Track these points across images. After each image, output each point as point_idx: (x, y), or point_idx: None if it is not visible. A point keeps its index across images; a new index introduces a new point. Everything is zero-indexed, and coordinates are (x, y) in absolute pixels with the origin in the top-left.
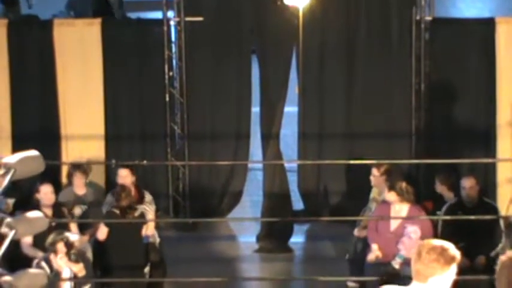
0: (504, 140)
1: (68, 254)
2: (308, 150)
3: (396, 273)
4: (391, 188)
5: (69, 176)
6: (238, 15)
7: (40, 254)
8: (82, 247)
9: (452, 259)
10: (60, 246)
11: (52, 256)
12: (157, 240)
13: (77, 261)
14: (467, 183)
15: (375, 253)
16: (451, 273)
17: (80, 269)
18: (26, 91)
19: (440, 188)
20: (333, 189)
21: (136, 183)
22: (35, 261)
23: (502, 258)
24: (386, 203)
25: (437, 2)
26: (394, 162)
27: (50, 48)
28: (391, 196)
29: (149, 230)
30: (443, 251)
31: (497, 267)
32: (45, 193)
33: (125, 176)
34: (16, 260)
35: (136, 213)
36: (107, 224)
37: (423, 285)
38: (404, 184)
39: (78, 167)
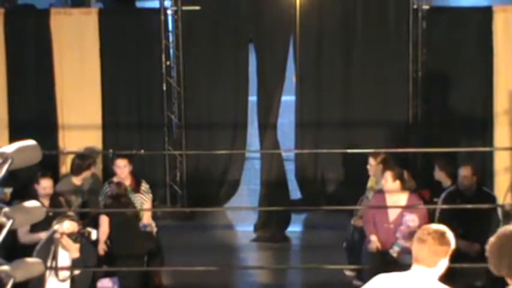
0: (501, 129)
1: (70, 235)
2: (305, 139)
3: (394, 262)
4: (396, 177)
5: (75, 168)
6: (236, 4)
7: (39, 236)
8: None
9: (450, 242)
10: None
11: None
12: (155, 229)
13: (75, 240)
14: (464, 172)
15: (375, 244)
16: (448, 257)
17: (74, 250)
18: (23, 81)
19: (439, 174)
20: (330, 178)
21: (133, 172)
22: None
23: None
24: (381, 193)
25: None
26: (390, 151)
27: (47, 37)
28: (394, 185)
29: (145, 219)
30: (444, 233)
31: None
32: (44, 188)
33: (123, 166)
34: (13, 250)
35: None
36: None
37: (430, 270)
38: (406, 172)
39: (88, 168)
